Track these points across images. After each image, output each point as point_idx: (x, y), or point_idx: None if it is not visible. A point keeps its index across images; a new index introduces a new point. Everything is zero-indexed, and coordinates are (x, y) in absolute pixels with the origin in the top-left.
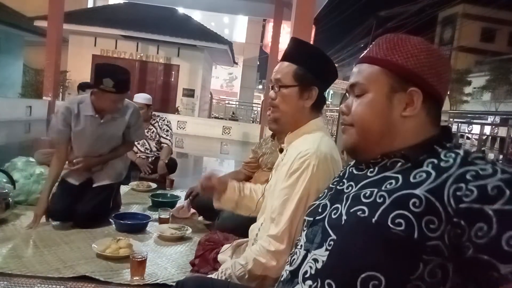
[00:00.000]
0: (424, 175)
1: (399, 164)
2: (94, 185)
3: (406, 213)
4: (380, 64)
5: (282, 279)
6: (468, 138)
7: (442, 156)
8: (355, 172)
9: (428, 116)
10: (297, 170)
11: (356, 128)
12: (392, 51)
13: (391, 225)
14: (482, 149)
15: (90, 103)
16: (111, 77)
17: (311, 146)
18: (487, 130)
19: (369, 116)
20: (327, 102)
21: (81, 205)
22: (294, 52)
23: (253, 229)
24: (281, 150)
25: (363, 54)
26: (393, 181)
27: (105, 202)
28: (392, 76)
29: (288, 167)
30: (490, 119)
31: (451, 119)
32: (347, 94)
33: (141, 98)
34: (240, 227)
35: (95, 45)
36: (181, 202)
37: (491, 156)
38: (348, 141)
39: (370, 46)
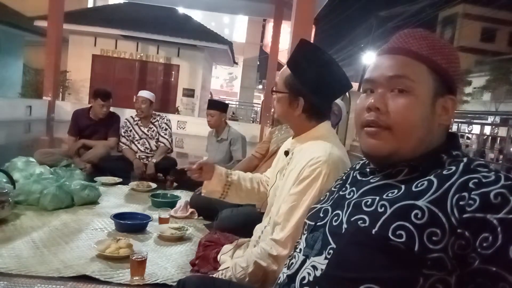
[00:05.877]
0: (426, 183)
1: (404, 172)
2: None
3: (407, 224)
4: (426, 62)
5: (279, 281)
6: (468, 138)
7: (446, 165)
8: (358, 177)
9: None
10: (308, 177)
11: (397, 132)
12: (434, 51)
13: (391, 236)
14: (482, 149)
15: None
16: None
17: (322, 154)
18: (487, 130)
19: (414, 119)
20: None
21: None
22: (293, 58)
23: (257, 229)
24: (287, 153)
25: (396, 45)
26: (395, 190)
27: None
28: (437, 79)
29: (298, 173)
30: (490, 119)
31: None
32: (363, 87)
33: (145, 93)
34: (239, 226)
35: (95, 45)
36: (181, 202)
37: (491, 156)
38: (382, 148)
39: (403, 36)
